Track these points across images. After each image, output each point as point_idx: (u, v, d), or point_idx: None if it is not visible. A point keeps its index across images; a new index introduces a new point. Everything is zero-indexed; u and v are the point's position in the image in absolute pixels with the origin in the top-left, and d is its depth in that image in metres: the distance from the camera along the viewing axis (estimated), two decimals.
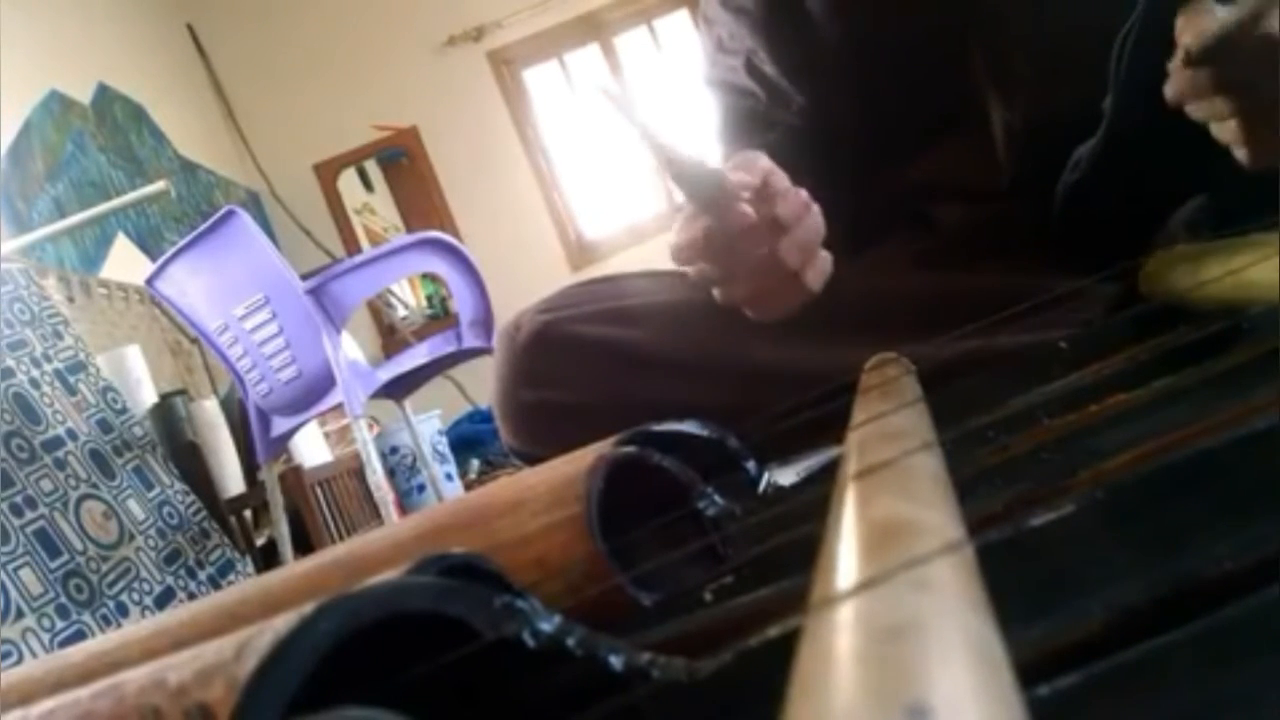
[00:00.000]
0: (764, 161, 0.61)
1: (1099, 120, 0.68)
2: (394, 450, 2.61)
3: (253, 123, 3.81)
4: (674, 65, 3.87)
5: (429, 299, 4.03)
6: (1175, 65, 0.53)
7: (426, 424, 2.53)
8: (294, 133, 3.78)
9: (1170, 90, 0.53)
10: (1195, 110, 0.53)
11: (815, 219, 0.61)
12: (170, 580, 1.61)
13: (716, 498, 0.42)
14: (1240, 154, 0.52)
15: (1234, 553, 0.23)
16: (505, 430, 0.81)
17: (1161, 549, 0.26)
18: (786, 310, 0.62)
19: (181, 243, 1.78)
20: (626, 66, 3.92)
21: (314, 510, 1.95)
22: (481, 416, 3.05)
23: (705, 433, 0.48)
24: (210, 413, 1.97)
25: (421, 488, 2.56)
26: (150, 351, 2.23)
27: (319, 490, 2.03)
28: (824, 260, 0.62)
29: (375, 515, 2.13)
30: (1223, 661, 0.20)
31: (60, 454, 1.56)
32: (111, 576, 1.51)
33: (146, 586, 1.56)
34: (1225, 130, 0.52)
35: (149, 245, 2.80)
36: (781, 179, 0.61)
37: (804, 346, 0.69)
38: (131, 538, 1.59)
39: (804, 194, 0.62)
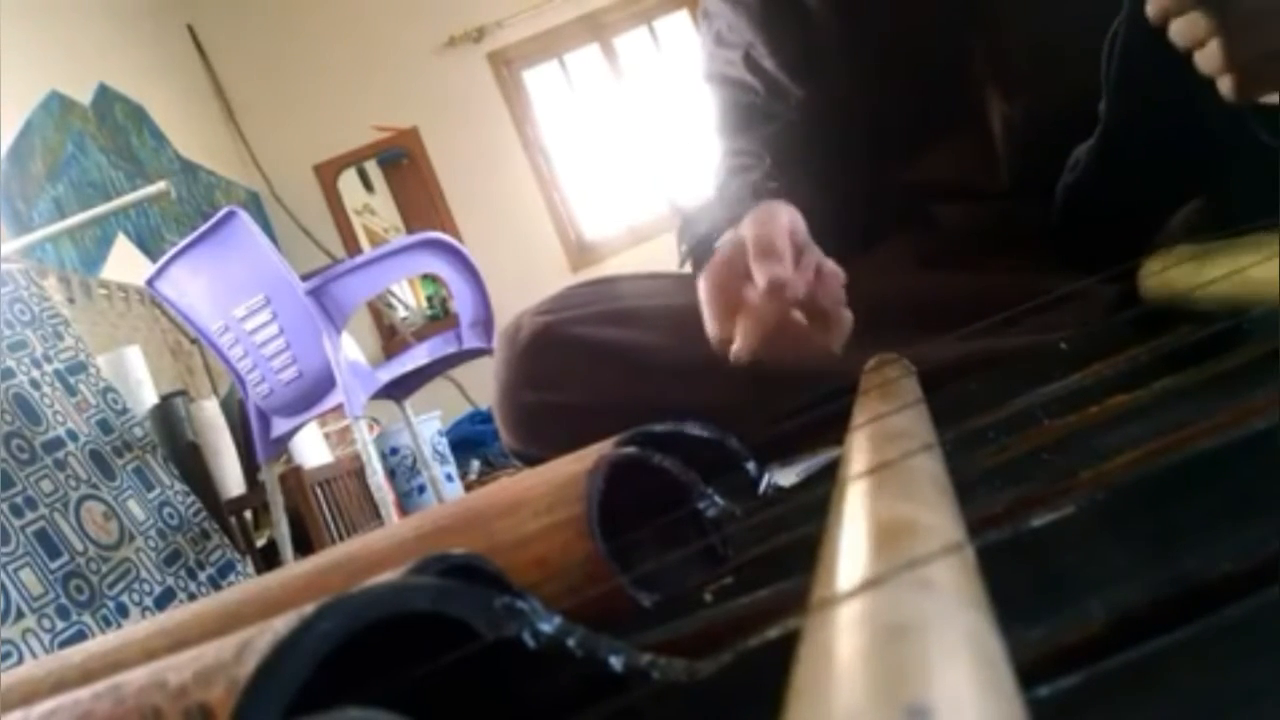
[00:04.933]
0: (783, 218, 0.62)
1: (1098, 120, 0.68)
2: (394, 451, 2.61)
3: (253, 123, 3.81)
4: (674, 66, 3.86)
5: (429, 299, 4.03)
6: None
7: (427, 425, 2.53)
8: (294, 133, 3.78)
9: (1151, 7, 0.53)
10: (1176, 33, 0.53)
11: (838, 283, 0.63)
12: (170, 581, 1.61)
13: (716, 498, 0.42)
14: (1224, 84, 0.52)
15: (1233, 554, 0.23)
16: (505, 431, 0.81)
17: (1161, 550, 0.26)
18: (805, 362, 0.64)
19: (182, 243, 1.78)
20: (626, 67, 3.92)
21: (314, 511, 1.95)
22: (481, 417, 3.05)
23: (705, 433, 0.48)
24: (210, 413, 1.97)
25: (422, 488, 2.56)
26: (151, 352, 2.23)
27: (319, 491, 2.02)
28: (845, 322, 0.63)
29: (375, 516, 2.13)
30: (1223, 662, 0.20)
31: (60, 455, 1.56)
32: (112, 577, 1.51)
33: (147, 587, 1.56)
34: (1208, 57, 0.52)
35: (149, 246, 2.80)
36: (804, 239, 0.62)
37: None
38: (132, 538, 1.59)
39: (830, 264, 0.63)
